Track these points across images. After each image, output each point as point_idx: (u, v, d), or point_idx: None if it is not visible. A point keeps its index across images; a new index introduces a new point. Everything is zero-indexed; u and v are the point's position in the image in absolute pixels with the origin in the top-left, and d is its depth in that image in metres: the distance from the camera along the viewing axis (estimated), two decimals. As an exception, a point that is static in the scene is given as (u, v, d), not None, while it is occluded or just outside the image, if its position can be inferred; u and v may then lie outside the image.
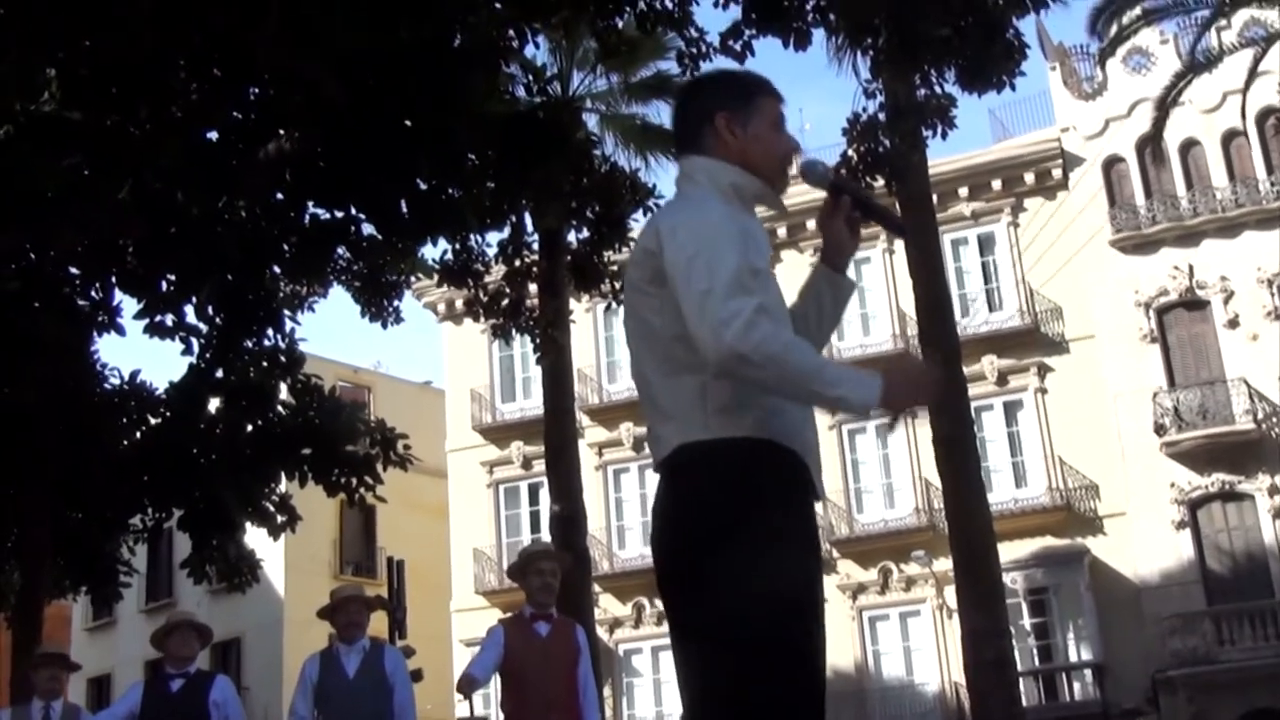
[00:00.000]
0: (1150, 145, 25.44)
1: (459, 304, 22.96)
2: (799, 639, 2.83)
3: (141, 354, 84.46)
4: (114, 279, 14.25)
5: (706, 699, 2.86)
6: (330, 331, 74.11)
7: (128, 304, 15.27)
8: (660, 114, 20.64)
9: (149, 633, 8.89)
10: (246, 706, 14.83)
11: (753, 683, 2.77)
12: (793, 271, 30.78)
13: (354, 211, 14.05)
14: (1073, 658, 27.40)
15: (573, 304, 19.94)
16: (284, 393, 16.35)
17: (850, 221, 3.27)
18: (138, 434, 16.65)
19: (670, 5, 14.86)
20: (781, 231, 30.63)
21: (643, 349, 3.13)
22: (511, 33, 13.73)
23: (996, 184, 30.24)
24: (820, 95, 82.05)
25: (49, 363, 14.15)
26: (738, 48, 14.87)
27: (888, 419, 2.94)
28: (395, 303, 16.45)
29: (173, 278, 13.72)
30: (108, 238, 12.83)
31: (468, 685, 7.55)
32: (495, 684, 7.86)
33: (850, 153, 15.30)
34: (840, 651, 28.81)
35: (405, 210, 13.38)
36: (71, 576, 17.24)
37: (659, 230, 3.09)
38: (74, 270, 14.38)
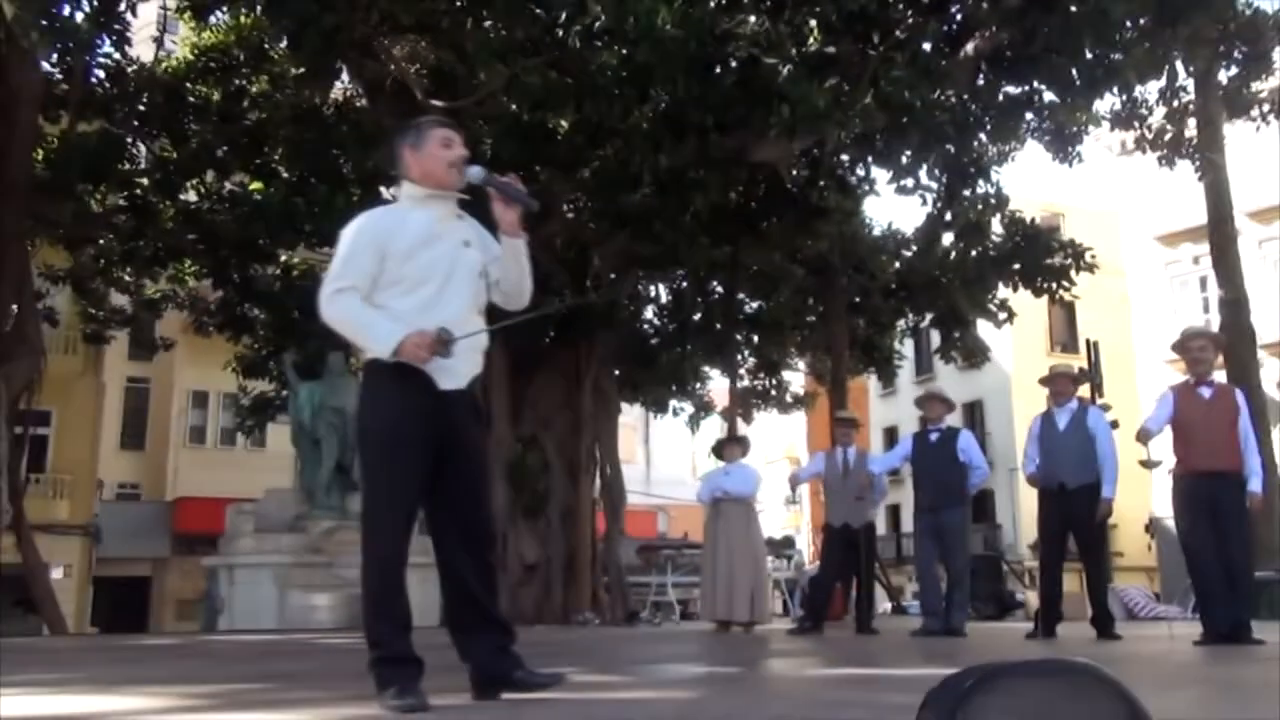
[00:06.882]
0: None
1: (1129, 143, 25.01)
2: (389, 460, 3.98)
3: (894, 209, 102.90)
4: (869, 159, 17.53)
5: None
6: (1027, 174, 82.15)
7: (880, 175, 19.16)
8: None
9: (918, 397, 11.54)
10: (987, 450, 18.43)
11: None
12: None
13: (1037, 85, 16.03)
14: None
15: (1225, 129, 20.81)
16: (996, 226, 19.97)
17: (501, 203, 4.17)
18: (896, 264, 21.46)
19: None
20: None
21: None
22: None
23: None
24: None
25: (833, 222, 18.09)
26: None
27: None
28: (1077, 148, 17.70)
29: (909, 153, 16.47)
30: (863, 131, 14.68)
31: (1144, 435, 8.41)
32: (1167, 434, 8.64)
33: None
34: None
35: (1077, 78, 14.93)
36: (862, 362, 23.20)
37: None
38: (844, 157, 17.47)
